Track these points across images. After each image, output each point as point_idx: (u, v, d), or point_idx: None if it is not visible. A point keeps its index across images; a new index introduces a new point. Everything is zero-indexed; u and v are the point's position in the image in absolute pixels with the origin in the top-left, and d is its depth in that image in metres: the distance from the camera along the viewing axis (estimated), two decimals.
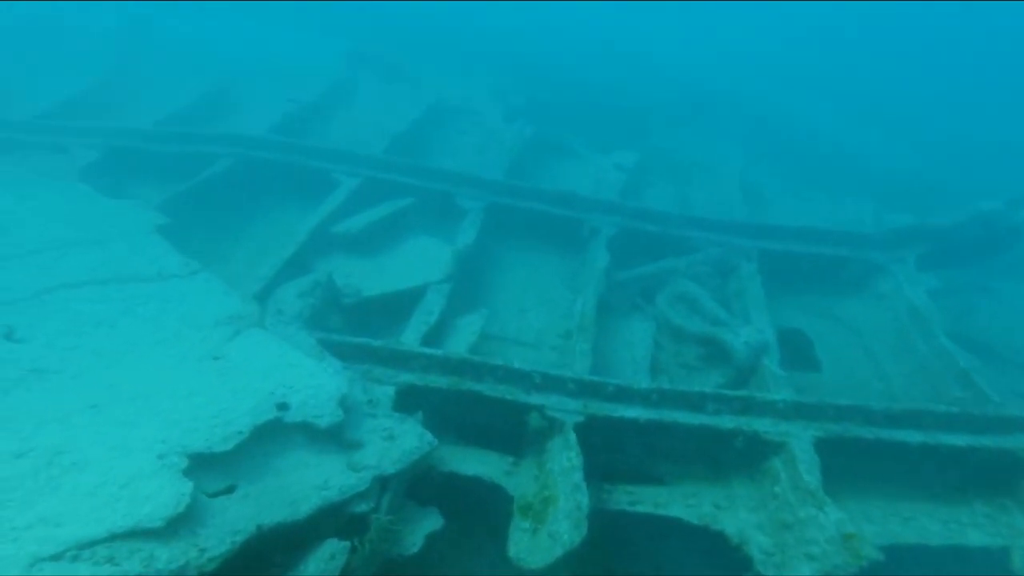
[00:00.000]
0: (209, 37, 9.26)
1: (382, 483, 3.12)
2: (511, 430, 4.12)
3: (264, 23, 9.89)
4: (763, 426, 4.27)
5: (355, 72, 8.90)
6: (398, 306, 4.98)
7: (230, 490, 2.84)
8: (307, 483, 2.95)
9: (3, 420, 3.03)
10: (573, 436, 3.93)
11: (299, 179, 6.37)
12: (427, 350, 4.15)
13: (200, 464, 2.89)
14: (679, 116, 11.93)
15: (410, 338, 4.44)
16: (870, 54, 18.17)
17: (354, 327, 4.94)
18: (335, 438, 3.22)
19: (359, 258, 5.46)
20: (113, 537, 2.49)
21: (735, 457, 4.27)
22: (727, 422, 4.27)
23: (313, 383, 3.39)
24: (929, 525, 4.13)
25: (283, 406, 3.21)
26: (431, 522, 3.25)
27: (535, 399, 4.10)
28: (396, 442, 3.27)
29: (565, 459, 3.76)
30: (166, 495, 2.65)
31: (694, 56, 15.31)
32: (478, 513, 3.65)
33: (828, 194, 9.21)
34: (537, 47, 12.79)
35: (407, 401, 3.86)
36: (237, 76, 8.42)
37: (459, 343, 4.54)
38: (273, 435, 3.13)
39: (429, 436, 3.39)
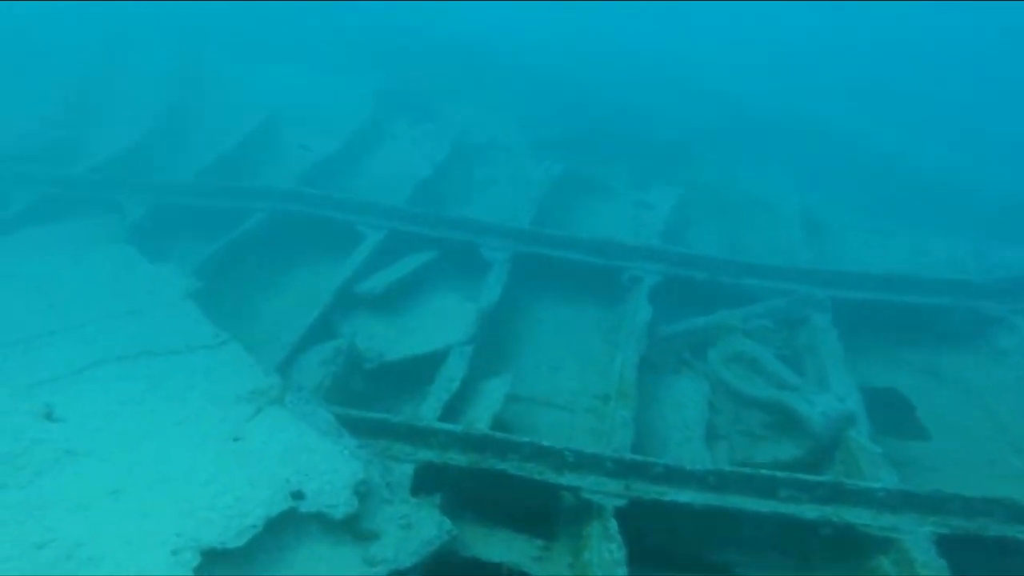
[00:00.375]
0: (254, 79, 9.86)
1: None
2: (540, 509, 4.11)
3: (303, 66, 10.45)
4: (859, 518, 3.94)
5: (383, 113, 9.25)
6: (420, 369, 5.16)
7: None
8: None
9: (33, 506, 3.29)
10: (614, 524, 3.80)
11: (328, 232, 6.69)
12: (446, 426, 4.26)
13: (212, 559, 3.07)
14: (725, 141, 11.89)
15: (430, 408, 4.58)
16: (928, 58, 17.87)
17: (377, 390, 5.16)
18: (350, 528, 3.37)
19: (382, 318, 5.68)
20: None
21: (825, 548, 3.98)
22: (809, 511, 3.97)
23: (329, 468, 3.56)
24: None
25: (298, 495, 3.39)
26: None
27: (568, 479, 4.04)
28: (414, 531, 3.41)
29: (605, 551, 3.64)
30: None
31: (731, 66, 15.20)
32: None
33: (909, 226, 8.86)
34: (568, 69, 12.95)
35: (426, 480, 3.96)
36: (278, 120, 8.90)
37: (482, 412, 4.66)
38: (287, 526, 3.29)
39: (448, 524, 3.50)
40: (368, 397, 5.10)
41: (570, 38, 14.65)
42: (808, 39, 18.74)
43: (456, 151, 8.43)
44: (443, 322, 5.63)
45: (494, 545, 3.86)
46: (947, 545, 3.78)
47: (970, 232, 8.26)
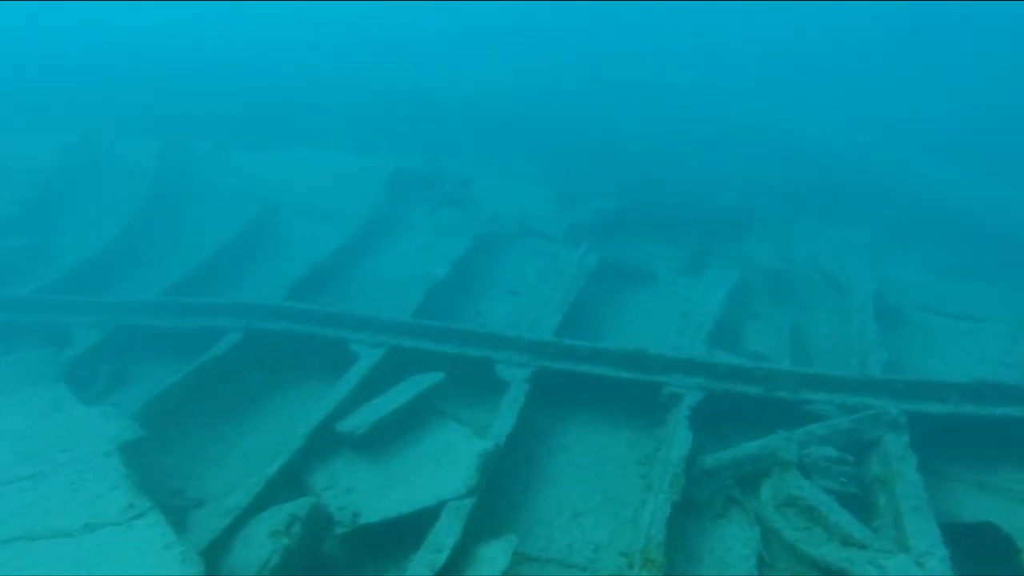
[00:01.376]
0: (254, 165, 9.43)
1: None
2: None
3: (314, 149, 10.05)
4: None
5: (399, 197, 8.64)
6: (405, 531, 4.37)
7: None
8: None
9: None
10: None
11: (318, 351, 6.02)
12: None
13: None
14: (786, 197, 11.14)
15: None
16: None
17: (354, 553, 4.43)
18: None
19: (368, 461, 4.89)
20: None
21: None
22: None
23: None
24: None
25: None
26: None
27: None
28: None
29: None
30: None
31: (789, 110, 14.75)
32: None
33: (1002, 293, 8.11)
34: (605, 118, 12.64)
35: None
36: (276, 211, 8.42)
37: None
38: None
39: None
40: (342, 564, 4.38)
41: (596, 75, 14.32)
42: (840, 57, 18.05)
43: (480, 241, 7.79)
44: (443, 466, 4.80)
45: None
46: None
47: None
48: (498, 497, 4.87)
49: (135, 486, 4.14)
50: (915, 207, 11.98)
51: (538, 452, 5.45)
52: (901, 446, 5.06)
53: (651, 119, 13.86)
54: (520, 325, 6.63)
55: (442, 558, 4.11)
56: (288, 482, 4.69)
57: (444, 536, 4.26)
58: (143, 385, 5.75)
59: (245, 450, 5.33)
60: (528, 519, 4.85)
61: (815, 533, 4.53)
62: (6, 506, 3.96)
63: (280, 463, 4.68)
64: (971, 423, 5.38)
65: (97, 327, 6.15)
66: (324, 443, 5.06)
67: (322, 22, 15.48)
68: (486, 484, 4.72)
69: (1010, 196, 11.74)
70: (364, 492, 4.70)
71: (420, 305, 6.54)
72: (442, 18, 16.82)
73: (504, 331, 5.99)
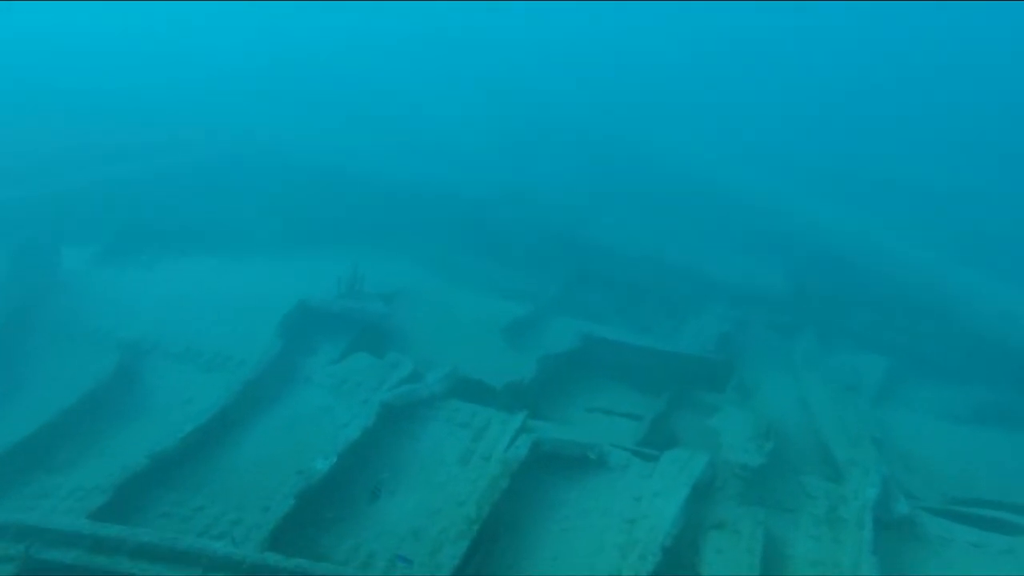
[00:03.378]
0: (134, 286, 8.16)
1: None
2: None
3: (224, 259, 8.95)
4: None
5: (297, 340, 7.29)
6: None
7: None
8: None
9: None
10: None
11: None
12: None
13: None
14: (785, 318, 10.44)
15: None
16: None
17: None
18: None
19: None
20: None
21: None
22: None
23: None
24: None
25: None
26: None
27: None
28: None
29: None
30: None
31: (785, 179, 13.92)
32: None
33: None
34: (589, 216, 12.17)
35: None
36: (142, 358, 7.09)
37: None
38: None
39: None
40: None
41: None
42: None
43: (389, 413, 6.42)
44: None
45: None
46: None
47: None
48: None
49: None
50: (931, 321, 11.13)
51: None
52: None
53: (636, 203, 13.05)
54: (422, 540, 5.39)
55: None
56: None
57: None
58: None
59: None
60: None
61: None
62: None
63: None
64: None
65: None
66: None
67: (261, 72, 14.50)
68: None
69: None
70: None
71: (286, 517, 5.25)
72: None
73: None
